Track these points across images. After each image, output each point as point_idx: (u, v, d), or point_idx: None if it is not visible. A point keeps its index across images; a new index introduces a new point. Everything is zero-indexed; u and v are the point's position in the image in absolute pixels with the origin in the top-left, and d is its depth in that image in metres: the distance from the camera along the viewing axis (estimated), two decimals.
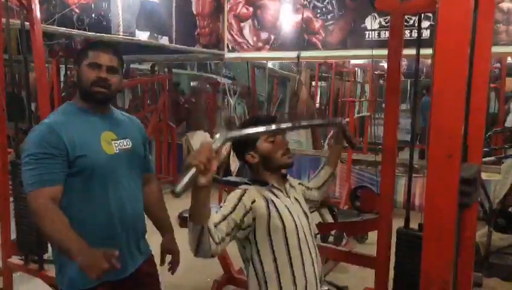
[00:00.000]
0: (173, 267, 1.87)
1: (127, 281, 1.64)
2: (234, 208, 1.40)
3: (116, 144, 1.61)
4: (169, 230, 1.89)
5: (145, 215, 1.82)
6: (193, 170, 1.06)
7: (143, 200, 1.78)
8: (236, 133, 1.27)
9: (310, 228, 1.59)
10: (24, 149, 1.50)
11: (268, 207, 1.47)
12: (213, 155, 1.11)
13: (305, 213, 1.60)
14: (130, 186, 1.66)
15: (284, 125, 1.45)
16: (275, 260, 1.46)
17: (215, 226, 1.32)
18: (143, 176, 1.79)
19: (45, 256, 2.60)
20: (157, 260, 1.86)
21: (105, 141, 1.58)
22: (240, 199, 1.43)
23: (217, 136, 1.19)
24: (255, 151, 1.55)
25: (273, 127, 1.37)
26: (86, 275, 1.45)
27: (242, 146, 1.59)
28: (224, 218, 1.36)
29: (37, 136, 1.50)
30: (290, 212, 1.52)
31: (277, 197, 1.53)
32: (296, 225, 1.50)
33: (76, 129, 1.53)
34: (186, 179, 1.05)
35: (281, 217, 1.48)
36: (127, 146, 1.66)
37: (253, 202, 1.45)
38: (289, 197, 1.58)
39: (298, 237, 1.50)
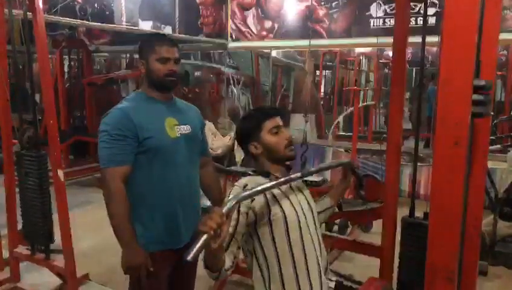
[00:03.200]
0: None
1: (181, 251, 1.78)
2: (237, 221, 1.42)
3: (178, 129, 1.81)
4: None
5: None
6: (204, 237, 1.09)
7: (201, 182, 1.98)
8: (246, 194, 1.31)
9: (313, 219, 1.58)
10: (101, 130, 1.71)
11: (267, 202, 1.47)
12: (223, 220, 1.14)
13: (308, 204, 1.59)
14: (189, 168, 1.85)
15: (293, 176, 1.49)
16: (276, 251, 1.46)
17: (226, 250, 1.36)
18: (200, 159, 1.97)
19: (51, 246, 2.63)
20: None
21: (169, 126, 1.78)
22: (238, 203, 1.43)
23: (229, 197, 1.27)
24: (259, 142, 1.56)
25: (282, 179, 1.43)
26: (148, 240, 1.75)
27: (245, 137, 1.59)
28: (232, 237, 1.40)
29: (112, 118, 1.71)
30: (292, 204, 1.51)
31: (279, 188, 1.52)
32: (298, 217, 1.50)
33: (144, 114, 1.74)
34: (197, 246, 1.08)
35: (282, 209, 1.47)
36: (187, 131, 1.84)
37: (252, 200, 1.45)
38: (292, 188, 1.57)
39: (300, 229, 1.49)
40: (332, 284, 1.71)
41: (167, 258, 1.81)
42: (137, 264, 1.68)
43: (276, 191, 1.51)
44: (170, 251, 1.81)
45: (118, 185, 1.66)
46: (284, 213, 1.47)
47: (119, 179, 1.67)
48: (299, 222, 1.50)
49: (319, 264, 1.52)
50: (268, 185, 1.38)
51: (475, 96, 1.17)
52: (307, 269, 1.48)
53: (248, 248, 1.51)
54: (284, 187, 1.54)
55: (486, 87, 1.21)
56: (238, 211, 1.43)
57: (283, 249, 1.46)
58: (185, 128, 1.84)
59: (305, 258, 1.48)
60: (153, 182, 1.75)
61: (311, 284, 1.48)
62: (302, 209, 1.54)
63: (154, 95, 1.82)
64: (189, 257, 1.06)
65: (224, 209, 1.18)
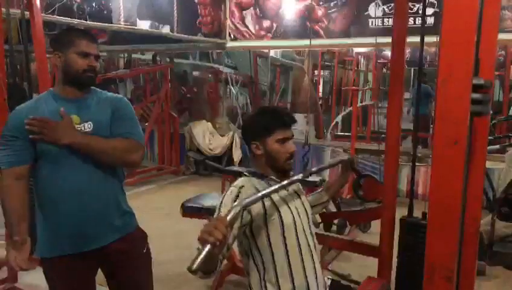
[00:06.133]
0: None
1: (89, 254, 1.69)
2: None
3: (79, 128, 1.65)
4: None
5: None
6: (208, 247, 1.08)
7: None
8: (249, 201, 1.29)
9: (308, 220, 1.58)
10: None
11: (264, 204, 1.46)
12: (228, 230, 1.13)
13: (303, 205, 1.60)
14: (92, 170, 1.66)
15: (295, 178, 1.50)
16: (272, 253, 1.46)
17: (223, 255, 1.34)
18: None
19: None
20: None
21: None
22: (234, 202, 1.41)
23: (234, 204, 1.25)
24: (262, 144, 1.54)
25: (284, 182, 1.43)
26: (49, 245, 1.69)
27: (252, 134, 1.57)
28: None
29: (9, 120, 1.67)
30: (288, 206, 1.51)
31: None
32: (294, 218, 1.50)
33: (41, 115, 1.61)
34: (202, 256, 1.06)
35: (278, 211, 1.47)
36: (88, 129, 1.67)
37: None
38: (288, 190, 1.57)
39: (296, 230, 1.49)
40: (329, 282, 1.71)
41: (70, 263, 1.69)
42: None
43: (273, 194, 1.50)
44: (71, 256, 1.68)
45: (9, 182, 1.61)
46: (281, 216, 1.47)
47: (13, 178, 1.62)
48: (295, 225, 1.50)
49: (314, 266, 1.52)
50: (271, 189, 1.36)
51: (474, 95, 1.17)
52: (304, 270, 1.49)
53: (244, 248, 1.51)
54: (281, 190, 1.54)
55: (485, 85, 1.21)
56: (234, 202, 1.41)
57: (279, 251, 1.46)
58: (86, 126, 1.66)
59: (302, 261, 1.49)
60: (49, 185, 1.65)
61: (308, 285, 1.49)
62: (298, 212, 1.54)
63: (65, 92, 1.68)
64: (195, 267, 1.05)
65: (229, 217, 1.16)
